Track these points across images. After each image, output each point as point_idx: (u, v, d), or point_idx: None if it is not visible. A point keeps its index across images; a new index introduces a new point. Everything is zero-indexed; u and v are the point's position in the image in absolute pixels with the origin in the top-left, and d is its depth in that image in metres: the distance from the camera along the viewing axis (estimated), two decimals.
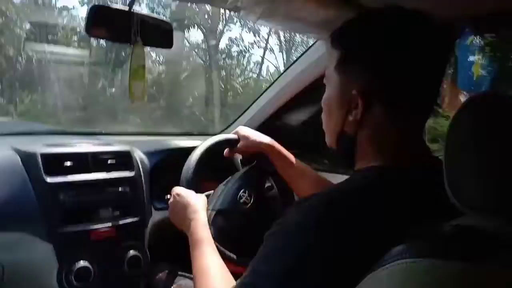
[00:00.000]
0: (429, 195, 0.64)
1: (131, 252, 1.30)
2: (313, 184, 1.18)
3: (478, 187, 0.53)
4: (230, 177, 1.31)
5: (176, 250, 1.37)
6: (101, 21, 0.99)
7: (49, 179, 1.21)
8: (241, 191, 1.25)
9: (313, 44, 1.50)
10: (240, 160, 1.58)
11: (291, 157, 1.26)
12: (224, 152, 1.34)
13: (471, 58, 1.10)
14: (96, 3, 0.99)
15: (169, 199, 1.22)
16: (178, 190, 1.13)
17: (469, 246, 0.51)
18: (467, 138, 0.55)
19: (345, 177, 0.75)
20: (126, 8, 0.98)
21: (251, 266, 0.67)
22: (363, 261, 0.57)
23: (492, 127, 0.53)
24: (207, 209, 1.10)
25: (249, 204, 1.24)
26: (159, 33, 1.10)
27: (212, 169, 1.35)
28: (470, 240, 0.53)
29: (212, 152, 1.28)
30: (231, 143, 1.32)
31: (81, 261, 1.20)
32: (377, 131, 0.74)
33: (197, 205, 1.07)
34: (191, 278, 1.24)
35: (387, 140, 0.74)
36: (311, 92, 1.60)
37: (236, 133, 1.30)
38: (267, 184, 1.34)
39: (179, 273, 1.32)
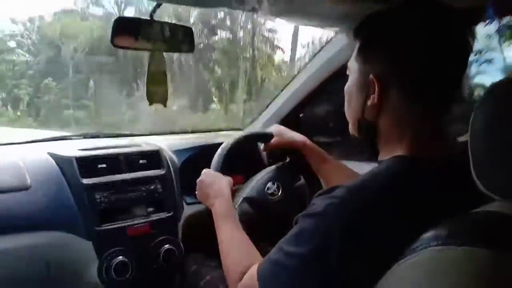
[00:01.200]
0: (456, 183, 0.65)
1: (166, 246, 1.36)
2: (347, 179, 1.20)
3: (504, 173, 0.53)
4: (262, 170, 1.36)
5: (208, 242, 1.43)
6: (125, 32, 1.03)
7: (85, 181, 1.28)
8: (270, 182, 1.30)
9: (332, 38, 1.50)
10: (268, 157, 1.62)
11: (324, 154, 1.31)
12: (262, 147, 1.39)
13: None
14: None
15: None
16: (206, 170, 1.21)
17: (497, 233, 0.52)
18: (491, 125, 0.55)
19: (370, 165, 0.77)
20: (148, 18, 1.02)
21: (279, 245, 0.72)
22: (388, 252, 0.59)
23: None
24: (234, 197, 1.16)
25: (277, 196, 1.28)
26: (180, 38, 1.13)
27: (240, 163, 1.39)
28: (497, 226, 0.53)
29: (244, 145, 1.33)
30: (265, 138, 1.38)
31: (120, 256, 1.26)
32: (396, 117, 0.76)
33: (223, 183, 1.14)
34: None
35: (407, 127, 0.75)
36: (332, 84, 1.61)
37: (270, 130, 1.36)
38: (298, 181, 1.38)
39: (212, 264, 1.36)
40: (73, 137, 1.67)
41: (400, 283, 0.55)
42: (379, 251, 0.62)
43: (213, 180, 1.16)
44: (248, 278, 0.81)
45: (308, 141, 1.32)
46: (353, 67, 0.83)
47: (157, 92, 1.08)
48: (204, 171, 1.21)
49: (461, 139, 0.81)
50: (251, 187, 1.30)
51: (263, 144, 1.42)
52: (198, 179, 1.20)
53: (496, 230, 0.52)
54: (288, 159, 1.42)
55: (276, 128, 1.38)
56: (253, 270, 0.77)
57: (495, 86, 0.57)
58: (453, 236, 0.52)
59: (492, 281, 0.48)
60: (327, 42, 1.54)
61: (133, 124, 9.40)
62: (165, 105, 1.11)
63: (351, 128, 0.87)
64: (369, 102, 0.77)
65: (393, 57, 0.74)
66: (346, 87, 0.86)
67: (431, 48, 0.72)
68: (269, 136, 1.37)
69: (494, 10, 1.06)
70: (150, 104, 1.08)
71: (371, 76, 0.75)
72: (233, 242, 0.98)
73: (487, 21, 1.07)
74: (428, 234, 0.55)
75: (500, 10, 1.06)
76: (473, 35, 0.79)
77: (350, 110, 0.85)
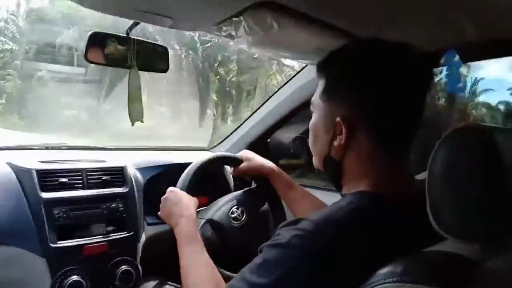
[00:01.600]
0: (414, 221, 0.67)
1: (123, 267, 1.32)
2: (313, 208, 1.21)
3: (457, 215, 0.55)
4: (228, 194, 1.36)
5: (168, 265, 1.40)
6: (99, 47, 1.02)
7: (44, 195, 1.23)
8: (234, 207, 1.30)
9: (303, 68, 1.54)
10: (235, 180, 1.63)
11: (292, 181, 1.33)
12: (230, 170, 1.41)
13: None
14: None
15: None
16: (173, 188, 1.19)
17: (449, 272, 0.53)
18: (447, 168, 0.57)
19: (334, 195, 0.78)
20: (124, 34, 1.02)
21: (242, 273, 0.71)
22: (348, 285, 0.60)
23: (471, 158, 0.55)
24: (198, 218, 1.15)
25: (240, 221, 1.28)
26: (155, 57, 1.13)
27: (205, 185, 1.39)
28: (450, 266, 0.55)
29: (211, 166, 1.33)
30: (234, 162, 1.38)
31: (74, 275, 1.21)
32: (362, 156, 0.78)
33: (190, 203, 1.13)
34: None
35: (372, 164, 0.77)
36: (300, 112, 1.65)
37: (239, 154, 1.38)
38: (263, 207, 1.38)
39: (168, 283, 1.34)
40: (34, 147, 1.60)
41: None
42: (341, 283, 0.63)
43: (179, 199, 1.14)
44: None
45: (276, 168, 1.34)
46: (318, 104, 0.84)
47: (137, 110, 1.07)
48: (170, 189, 1.19)
49: (419, 177, 0.84)
50: (215, 210, 1.30)
51: (231, 168, 1.42)
52: (163, 197, 1.18)
53: (448, 269, 0.54)
54: (254, 185, 1.43)
55: (245, 153, 1.39)
56: None
57: (453, 130, 0.59)
58: (408, 274, 0.53)
59: None
60: (299, 71, 1.58)
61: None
62: (142, 121, 1.10)
63: (316, 163, 0.88)
64: (335, 143, 0.78)
65: (359, 98, 0.76)
66: (311, 124, 0.87)
67: (396, 89, 0.74)
68: (238, 160, 1.38)
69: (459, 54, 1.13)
70: (133, 123, 1.07)
71: (338, 118, 0.76)
72: (197, 266, 0.96)
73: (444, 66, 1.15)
74: (384, 270, 0.56)
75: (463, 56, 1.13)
76: (432, 77, 0.83)
77: (316, 147, 0.86)
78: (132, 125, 1.10)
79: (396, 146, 0.78)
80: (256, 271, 0.69)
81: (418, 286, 0.51)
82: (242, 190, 1.40)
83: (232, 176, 1.60)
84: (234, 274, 0.77)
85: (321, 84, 0.83)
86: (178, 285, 1.33)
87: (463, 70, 1.14)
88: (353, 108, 0.76)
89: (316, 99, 0.84)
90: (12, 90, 10.65)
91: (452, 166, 0.57)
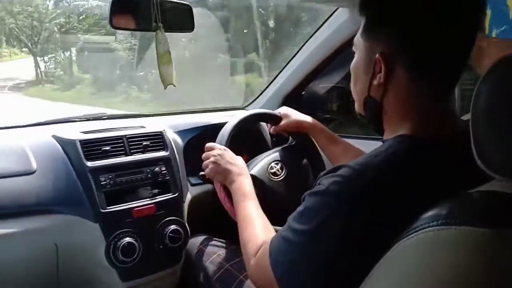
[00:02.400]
0: (458, 163, 0.65)
1: (172, 226, 1.37)
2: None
3: (505, 152, 0.52)
4: (267, 152, 1.36)
5: (213, 222, 1.44)
6: (124, 12, 1.01)
7: (89, 164, 1.28)
8: (274, 162, 1.30)
9: (333, 13, 1.48)
10: (273, 137, 1.63)
11: (333, 135, 1.32)
12: (271, 129, 1.41)
13: None
14: None
15: (203, 174, 1.28)
16: (217, 149, 1.20)
17: (496, 211, 0.51)
18: (492, 103, 0.54)
19: (376, 143, 0.77)
20: None
21: (288, 221, 0.74)
22: (390, 231, 0.59)
23: None
24: None
25: (279, 176, 1.29)
26: (180, 17, 1.11)
27: (244, 143, 1.40)
28: (497, 206, 0.52)
29: (249, 124, 1.34)
30: (272, 119, 1.38)
31: (126, 237, 1.28)
32: (402, 96, 0.75)
33: (242, 162, 1.17)
34: (227, 247, 1.31)
35: (412, 106, 0.75)
36: (333, 61, 1.60)
37: (278, 111, 1.37)
38: (303, 163, 1.38)
39: (217, 244, 1.38)
40: (76, 119, 1.66)
41: (401, 262, 0.55)
42: (382, 229, 0.62)
43: (234, 158, 1.17)
44: (261, 252, 0.83)
45: (317, 123, 1.33)
46: (359, 44, 0.82)
47: (168, 73, 1.06)
48: (215, 149, 1.21)
49: (465, 117, 0.80)
50: (254, 165, 1.31)
51: (268, 125, 1.41)
52: (212, 153, 1.19)
53: (496, 209, 0.52)
54: (294, 141, 1.42)
55: (283, 110, 1.39)
56: (267, 245, 0.79)
57: (497, 63, 0.55)
58: (453, 216, 0.51)
59: (492, 259, 0.47)
60: (328, 17, 1.51)
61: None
62: (175, 85, 1.10)
63: (357, 107, 0.87)
64: (375, 81, 0.77)
65: (399, 35, 0.74)
66: (352, 64, 0.85)
67: (438, 28, 0.71)
68: (277, 117, 1.37)
69: None
70: (165, 86, 1.07)
71: (377, 55, 0.75)
72: (253, 219, 1.00)
73: None
74: (429, 214, 0.54)
75: None
76: (482, 7, 0.77)
77: (356, 89, 0.85)
78: (165, 88, 1.10)
79: (438, 85, 0.75)
80: (298, 219, 0.71)
81: (464, 228, 0.49)
82: (281, 147, 1.40)
83: (270, 133, 1.59)
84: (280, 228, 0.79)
85: (362, 22, 0.81)
86: (223, 240, 1.37)
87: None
88: (392, 44, 0.74)
89: (357, 38, 0.83)
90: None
91: (497, 100, 0.53)
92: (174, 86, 1.14)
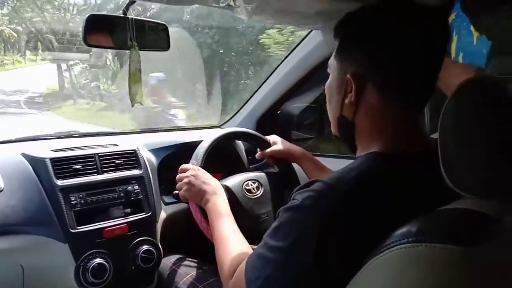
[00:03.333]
0: (428, 180, 0.66)
1: (144, 246, 1.34)
2: None
3: (472, 171, 0.54)
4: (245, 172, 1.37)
5: (187, 242, 1.42)
6: (98, 30, 1.01)
7: (59, 182, 1.25)
8: (251, 181, 1.30)
9: (307, 35, 1.51)
10: (248, 157, 1.64)
11: (321, 164, 1.36)
12: (257, 155, 1.44)
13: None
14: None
15: (177, 193, 1.26)
16: (191, 169, 1.20)
17: (464, 229, 0.52)
18: (459, 122, 0.55)
19: (350, 161, 0.78)
20: (121, 14, 1.00)
21: (264, 238, 0.75)
22: (361, 248, 0.60)
23: (485, 110, 0.54)
24: None
25: (254, 194, 1.28)
26: (155, 36, 1.11)
27: (219, 162, 1.40)
28: (465, 223, 0.54)
29: (227, 141, 1.38)
30: (261, 143, 1.42)
31: (97, 258, 1.24)
32: (372, 115, 0.78)
33: (217, 183, 1.17)
34: (200, 267, 1.30)
35: (382, 124, 0.77)
36: (308, 81, 1.62)
37: (268, 138, 1.42)
38: (282, 188, 1.39)
39: (190, 264, 1.36)
40: (47, 137, 1.62)
41: (373, 279, 0.56)
42: (354, 244, 0.64)
43: (208, 178, 1.18)
44: (238, 271, 0.83)
45: (306, 152, 1.38)
46: (333, 65, 0.85)
47: (137, 92, 1.06)
48: (191, 167, 1.21)
49: (435, 135, 0.82)
50: (229, 179, 1.30)
51: (257, 148, 1.43)
52: (186, 174, 1.19)
53: (464, 227, 0.53)
54: (275, 167, 1.43)
55: (273, 138, 1.43)
56: (243, 264, 0.79)
57: (463, 85, 0.57)
58: (423, 233, 0.52)
59: (461, 275, 0.48)
60: (303, 39, 1.54)
61: None
62: (142, 103, 1.10)
63: (332, 127, 0.89)
64: (346, 100, 0.79)
65: (369, 55, 0.76)
66: (326, 85, 0.88)
67: (406, 47, 0.73)
68: (266, 142, 1.41)
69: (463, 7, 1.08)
70: (133, 104, 1.07)
71: (348, 75, 0.77)
72: (228, 237, 1.00)
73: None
74: (399, 231, 0.55)
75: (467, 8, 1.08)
76: (448, 33, 0.81)
77: (331, 108, 0.87)
78: (132, 106, 1.10)
79: (408, 104, 0.77)
80: (274, 235, 0.72)
81: (435, 245, 0.50)
82: (262, 171, 1.41)
83: (253, 156, 1.60)
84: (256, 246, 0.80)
85: (336, 45, 0.84)
86: (196, 260, 1.35)
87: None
88: (362, 64, 0.77)
89: (331, 60, 0.86)
90: None
91: (465, 119, 0.55)
92: (141, 104, 1.14)
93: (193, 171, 1.19)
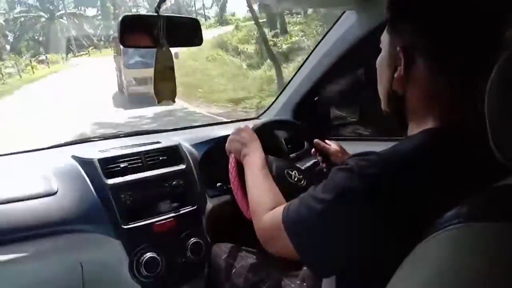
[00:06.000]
0: (482, 155, 0.62)
1: (192, 239, 1.38)
2: None
3: None
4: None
5: (234, 232, 1.44)
6: (133, 30, 1.03)
7: (109, 181, 1.31)
8: (295, 171, 1.28)
9: (340, 16, 1.47)
10: (288, 146, 1.63)
11: None
12: (316, 141, 1.39)
13: None
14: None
15: (221, 185, 1.27)
16: (243, 130, 1.23)
17: None
18: (509, 89, 0.52)
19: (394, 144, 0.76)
20: (154, 13, 1.02)
21: (309, 191, 0.77)
22: (409, 224, 0.60)
23: None
24: None
25: (295, 182, 1.26)
26: (187, 32, 1.13)
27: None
28: None
29: (282, 128, 1.40)
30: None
31: (149, 252, 1.29)
32: (423, 90, 0.75)
33: (260, 147, 1.17)
34: (250, 256, 1.31)
35: (435, 99, 0.75)
36: (344, 65, 1.59)
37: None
38: None
39: (239, 254, 1.37)
40: (94, 139, 1.70)
41: (425, 260, 0.54)
42: (401, 220, 0.63)
43: (254, 139, 1.19)
44: (273, 213, 0.85)
45: None
46: (384, 41, 0.83)
47: (165, 89, 1.07)
48: (245, 128, 1.24)
49: None
50: (277, 159, 1.29)
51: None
52: (237, 132, 1.22)
53: None
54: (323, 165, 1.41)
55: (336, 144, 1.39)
56: (279, 209, 0.82)
57: (507, 57, 0.53)
58: (476, 212, 0.51)
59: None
60: (336, 21, 1.51)
61: None
62: (173, 101, 1.11)
63: (383, 103, 0.87)
64: (396, 74, 0.78)
65: (419, 27, 0.74)
66: (377, 61, 0.86)
67: (458, 19, 0.71)
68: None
69: None
70: (158, 102, 1.08)
71: (398, 47, 0.76)
72: (265, 186, 1.01)
73: None
74: (451, 211, 0.54)
75: None
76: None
77: (381, 84, 0.86)
78: (158, 103, 1.10)
79: (460, 79, 0.74)
80: (321, 188, 0.74)
81: (487, 224, 0.49)
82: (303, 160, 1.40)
83: (293, 145, 1.59)
84: None
85: (388, 20, 0.83)
86: (245, 248, 1.37)
87: None
88: (411, 37, 0.75)
89: (383, 35, 0.84)
90: None
91: (510, 93, 0.52)
92: (173, 102, 1.14)
93: (243, 131, 1.22)
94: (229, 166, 1.19)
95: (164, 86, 1.06)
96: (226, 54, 17.85)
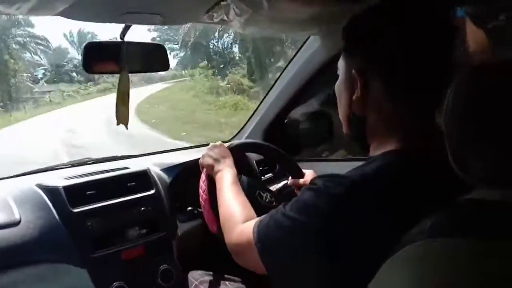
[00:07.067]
0: (444, 175, 0.63)
1: (163, 266, 1.35)
2: None
3: (482, 160, 0.52)
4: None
5: (205, 258, 1.42)
6: (97, 57, 1.03)
7: (75, 210, 1.27)
8: (269, 192, 1.28)
9: (305, 41, 1.51)
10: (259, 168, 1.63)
11: None
12: (290, 180, 1.39)
13: None
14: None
15: (191, 210, 1.25)
16: (218, 146, 1.24)
17: (484, 220, 0.51)
18: (466, 107, 0.53)
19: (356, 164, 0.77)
20: (118, 40, 1.03)
21: (278, 208, 0.78)
22: (381, 244, 0.59)
23: (491, 95, 0.52)
24: None
25: (267, 202, 1.25)
26: (153, 57, 1.14)
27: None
28: (483, 213, 0.52)
29: (258, 151, 1.39)
30: (297, 172, 1.39)
31: (116, 281, 1.26)
32: (381, 111, 0.77)
33: (233, 164, 1.18)
34: (222, 282, 1.29)
35: (393, 119, 0.76)
36: (311, 87, 1.62)
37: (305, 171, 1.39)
38: None
39: (211, 279, 1.35)
40: (60, 167, 1.65)
41: (391, 276, 0.55)
42: (368, 237, 0.65)
43: (227, 155, 1.20)
44: (244, 226, 0.86)
45: None
46: (341, 66, 0.86)
47: (124, 112, 1.08)
48: (220, 143, 1.26)
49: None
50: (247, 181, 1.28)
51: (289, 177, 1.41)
52: (211, 148, 1.23)
53: (482, 217, 0.52)
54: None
55: (309, 171, 1.39)
56: (250, 223, 0.84)
57: (464, 74, 0.55)
58: (440, 228, 0.52)
59: (471, 270, 0.47)
60: (301, 45, 1.55)
61: None
62: (126, 127, 1.12)
63: (344, 127, 0.89)
64: (354, 97, 0.79)
65: (372, 50, 0.76)
66: (336, 85, 0.88)
67: (407, 40, 0.73)
68: (302, 173, 1.38)
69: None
70: (118, 123, 1.09)
71: (353, 71, 0.78)
72: (237, 200, 1.02)
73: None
74: (415, 228, 0.55)
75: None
76: (452, 29, 0.79)
77: (340, 107, 0.87)
78: (117, 124, 1.13)
79: (417, 98, 0.75)
80: (290, 205, 0.75)
81: (451, 240, 0.50)
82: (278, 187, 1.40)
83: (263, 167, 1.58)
84: None
85: (343, 46, 0.85)
86: (218, 275, 1.35)
87: None
88: (366, 59, 0.78)
89: (340, 61, 0.86)
90: None
91: (469, 107, 0.53)
92: (126, 128, 1.17)
93: (217, 147, 1.22)
94: (200, 181, 1.19)
95: (123, 109, 1.08)
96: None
